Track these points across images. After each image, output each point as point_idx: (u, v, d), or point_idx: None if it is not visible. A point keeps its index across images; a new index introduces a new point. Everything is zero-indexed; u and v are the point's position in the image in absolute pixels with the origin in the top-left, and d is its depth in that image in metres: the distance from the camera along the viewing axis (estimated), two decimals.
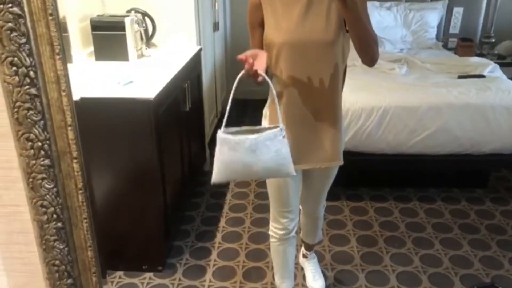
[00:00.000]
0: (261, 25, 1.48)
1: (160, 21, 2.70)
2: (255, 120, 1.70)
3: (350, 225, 2.58)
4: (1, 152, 0.74)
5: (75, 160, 0.71)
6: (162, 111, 2.01)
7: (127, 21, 2.34)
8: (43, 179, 0.70)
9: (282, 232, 1.74)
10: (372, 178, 2.98)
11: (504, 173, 3.08)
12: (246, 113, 4.21)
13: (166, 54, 2.59)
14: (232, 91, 1.31)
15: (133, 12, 2.55)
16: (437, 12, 4.03)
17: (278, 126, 1.30)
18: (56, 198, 0.72)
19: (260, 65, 1.31)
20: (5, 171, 0.75)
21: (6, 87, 0.65)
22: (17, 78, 0.64)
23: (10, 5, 0.61)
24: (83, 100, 1.81)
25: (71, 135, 0.70)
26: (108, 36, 2.33)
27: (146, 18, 2.63)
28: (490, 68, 3.06)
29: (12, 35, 0.62)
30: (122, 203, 2.07)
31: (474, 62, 3.24)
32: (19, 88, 0.65)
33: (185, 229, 2.54)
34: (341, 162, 1.60)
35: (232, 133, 1.31)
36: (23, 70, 0.64)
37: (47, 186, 0.71)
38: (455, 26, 4.19)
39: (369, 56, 1.39)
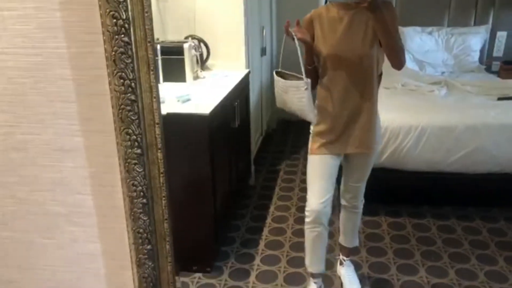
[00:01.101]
0: (311, 38, 1.85)
1: (213, 46, 2.99)
2: (297, 141, 2.06)
3: (387, 238, 2.70)
4: (104, 143, 0.98)
5: (159, 150, 0.95)
6: (215, 126, 2.25)
7: (185, 46, 2.63)
8: (135, 164, 0.94)
9: (314, 215, 1.97)
10: (411, 195, 3.08)
11: None
12: (290, 133, 4.42)
13: (218, 76, 2.86)
14: (284, 38, 1.84)
15: (190, 38, 2.85)
16: (480, 36, 4.11)
17: (303, 79, 1.75)
18: (144, 179, 0.95)
19: (300, 34, 1.76)
20: (106, 158, 1.00)
21: (115, 94, 0.89)
22: (123, 88, 0.88)
23: (122, 35, 0.85)
24: None
25: (157, 131, 0.93)
26: (168, 60, 2.63)
27: (201, 44, 2.93)
28: None
29: (122, 56, 0.86)
30: (178, 210, 2.30)
31: None
32: (123, 95, 0.89)
33: (232, 236, 2.75)
34: (375, 152, 1.99)
35: (282, 74, 1.86)
36: (127, 82, 0.88)
37: (137, 169, 0.94)
38: (499, 50, 4.23)
39: (397, 60, 1.76)
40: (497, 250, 2.55)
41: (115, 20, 0.84)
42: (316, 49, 1.84)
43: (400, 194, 3.07)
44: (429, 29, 4.15)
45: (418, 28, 4.11)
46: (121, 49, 0.86)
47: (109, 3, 0.83)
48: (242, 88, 2.90)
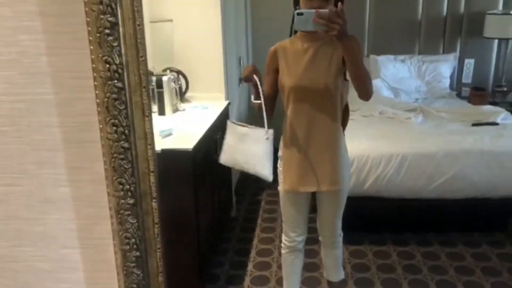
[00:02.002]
0: (275, 70, 1.86)
1: (192, 78, 2.96)
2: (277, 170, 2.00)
3: (374, 268, 2.67)
4: (94, 193, 0.92)
5: (154, 200, 0.89)
6: (198, 160, 2.20)
7: (164, 79, 2.59)
8: (128, 215, 0.88)
9: (291, 244, 2.06)
10: (394, 222, 3.08)
11: None
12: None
13: (198, 108, 2.82)
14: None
15: (168, 71, 2.81)
16: (449, 63, 4.24)
17: (264, 128, 1.72)
18: (137, 231, 0.89)
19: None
20: (96, 209, 0.93)
21: (107, 142, 0.84)
22: (116, 136, 0.83)
23: (115, 81, 0.81)
24: None
25: (152, 179, 0.88)
26: (157, 93, 2.58)
27: (180, 76, 2.90)
28: (503, 115, 3.21)
29: (115, 103, 0.82)
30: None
31: (487, 110, 3.40)
32: (116, 143, 0.84)
33: (215, 273, 2.66)
34: (342, 188, 1.92)
35: (236, 124, 1.83)
36: (121, 129, 0.83)
37: (130, 221, 0.88)
38: (468, 76, 4.37)
39: (365, 90, 1.74)
40: (483, 276, 2.55)
41: (108, 65, 0.80)
42: (280, 82, 1.84)
43: (383, 222, 3.06)
44: (402, 57, 4.26)
45: (391, 57, 4.21)
46: (114, 95, 0.81)
47: (101, 48, 0.79)
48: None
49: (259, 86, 1.74)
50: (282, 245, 2.11)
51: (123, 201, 0.87)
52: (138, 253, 0.90)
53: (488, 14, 3.95)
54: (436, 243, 2.91)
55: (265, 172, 1.73)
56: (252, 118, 4.67)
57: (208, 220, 2.54)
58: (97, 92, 0.82)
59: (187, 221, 2.16)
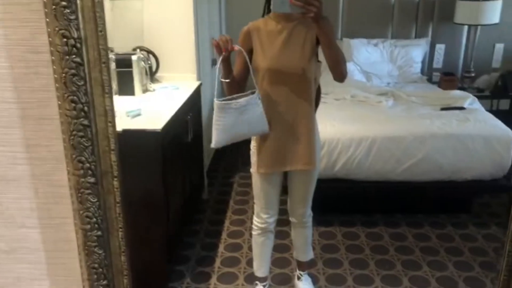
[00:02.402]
0: (248, 51, 1.81)
1: (163, 58, 2.90)
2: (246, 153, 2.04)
3: (343, 249, 2.72)
4: (53, 172, 0.90)
5: (115, 179, 0.87)
6: (167, 142, 2.17)
7: (133, 58, 2.53)
8: (89, 194, 0.86)
9: (262, 226, 2.09)
10: (363, 204, 3.14)
11: (486, 199, 3.25)
12: (243, 143, 4.39)
13: (169, 89, 2.77)
14: (217, 72, 1.81)
15: (138, 50, 2.75)
16: (421, 48, 4.29)
17: (254, 92, 1.74)
18: (98, 210, 0.88)
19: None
20: (56, 188, 0.91)
21: (65, 119, 0.81)
22: (75, 112, 0.81)
23: (74, 56, 0.78)
24: None
25: (113, 158, 0.86)
26: (115, 73, 2.52)
27: (150, 55, 2.84)
28: (470, 100, 3.29)
29: (73, 79, 0.79)
30: (129, 229, 2.19)
31: (455, 95, 3.47)
32: (75, 120, 0.81)
33: (186, 255, 2.66)
34: (315, 167, 1.95)
35: (224, 100, 1.75)
36: (80, 106, 0.81)
37: (91, 200, 0.87)
38: (438, 62, 4.45)
39: (339, 71, 1.78)
40: (446, 256, 2.64)
41: (65, 40, 0.77)
42: (254, 62, 1.83)
43: (353, 204, 3.12)
44: (375, 41, 4.28)
45: (364, 40, 4.23)
46: (73, 71, 0.79)
47: (58, 21, 0.76)
48: (194, 101, 2.83)
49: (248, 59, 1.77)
50: (254, 226, 2.14)
51: (83, 179, 0.85)
52: (99, 233, 0.89)
53: (459, 0, 4.01)
54: (404, 224, 2.99)
55: (265, 127, 1.79)
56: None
57: (178, 201, 2.53)
58: (54, 67, 0.79)
59: (156, 202, 2.14)
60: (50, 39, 0.77)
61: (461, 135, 2.80)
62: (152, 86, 2.76)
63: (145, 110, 2.28)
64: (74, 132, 0.82)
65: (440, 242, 2.79)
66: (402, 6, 4.30)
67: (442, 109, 3.21)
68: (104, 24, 0.79)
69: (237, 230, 2.92)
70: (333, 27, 1.76)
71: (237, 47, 1.74)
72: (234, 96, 1.74)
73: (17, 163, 0.90)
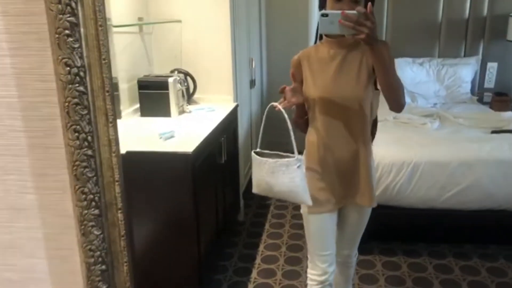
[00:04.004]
0: (301, 81, 1.67)
1: (200, 80, 2.92)
2: None
3: (382, 280, 2.57)
4: (59, 202, 0.88)
5: (119, 211, 0.84)
6: (199, 164, 2.15)
7: (170, 80, 2.55)
8: (92, 226, 0.83)
9: (322, 278, 1.77)
10: (405, 232, 2.97)
11: None
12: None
13: (205, 111, 2.77)
14: (264, 117, 1.62)
15: (176, 72, 2.78)
16: (471, 67, 4.09)
17: (295, 157, 1.52)
18: (102, 243, 0.84)
19: (294, 100, 1.56)
20: (63, 218, 0.89)
21: (69, 149, 0.79)
22: (78, 142, 0.78)
23: (77, 84, 0.76)
24: (129, 153, 1.99)
25: (117, 189, 0.83)
26: (152, 95, 2.55)
27: (188, 77, 2.86)
28: None
29: (76, 108, 0.77)
30: (159, 250, 2.18)
31: (508, 117, 3.25)
32: (78, 150, 0.79)
33: (218, 279, 2.61)
34: (374, 204, 1.74)
35: (262, 154, 1.60)
36: (83, 135, 0.78)
37: (95, 232, 0.83)
38: (490, 81, 4.21)
39: (397, 101, 1.55)
40: None
41: (68, 68, 0.75)
42: (304, 93, 1.65)
43: (394, 232, 2.96)
44: (420, 60, 4.13)
45: (409, 59, 4.08)
46: (76, 100, 0.76)
47: (61, 49, 0.74)
48: (229, 122, 2.81)
49: (287, 118, 1.54)
50: (309, 282, 1.80)
51: (86, 211, 0.82)
52: (103, 267, 0.85)
53: None
54: (450, 255, 2.79)
55: (304, 199, 1.56)
56: (266, 120, 4.57)
57: (211, 224, 2.49)
58: (58, 96, 0.77)
59: (186, 224, 2.11)
60: (54, 67, 0.75)
61: None
62: (189, 107, 2.77)
63: (179, 132, 2.28)
64: (77, 163, 0.79)
65: (490, 276, 2.57)
66: (450, 23, 4.13)
67: (493, 132, 3.01)
68: (108, 52, 0.77)
69: (272, 255, 2.83)
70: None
71: (278, 108, 1.53)
72: (273, 153, 1.58)
73: (26, 192, 0.88)
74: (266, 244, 2.97)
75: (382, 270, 2.66)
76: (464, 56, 4.19)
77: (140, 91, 2.58)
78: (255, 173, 1.62)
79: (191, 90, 2.89)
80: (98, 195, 0.81)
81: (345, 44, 1.60)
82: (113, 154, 0.81)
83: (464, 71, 4.05)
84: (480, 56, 4.16)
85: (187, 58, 2.95)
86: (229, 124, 2.81)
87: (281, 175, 1.52)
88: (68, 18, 0.73)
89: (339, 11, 1.35)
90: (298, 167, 1.52)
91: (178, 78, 2.65)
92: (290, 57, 1.73)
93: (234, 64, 2.98)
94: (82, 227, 0.83)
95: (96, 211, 0.82)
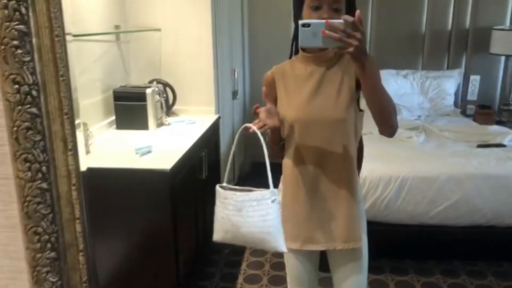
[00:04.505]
0: (275, 100, 1.49)
1: (180, 91, 2.80)
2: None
3: None
4: (9, 242, 0.74)
5: (81, 253, 0.71)
6: (178, 181, 2.02)
7: (148, 91, 2.43)
8: (47, 272, 0.70)
9: None
10: (393, 249, 2.88)
11: None
12: (264, 176, 4.19)
13: (185, 123, 2.65)
14: (234, 143, 1.41)
15: (154, 82, 2.65)
16: (454, 79, 4.07)
17: (269, 189, 1.26)
18: None
19: (269, 122, 1.34)
20: (13, 261, 0.75)
21: (18, 182, 0.66)
22: (29, 174, 0.66)
23: (28, 105, 0.63)
24: (102, 170, 1.85)
25: (78, 228, 0.70)
26: (129, 106, 2.42)
27: (167, 88, 2.73)
28: (511, 137, 3.03)
29: (28, 133, 0.64)
30: (135, 273, 2.04)
31: (494, 130, 3.22)
32: (31, 183, 0.66)
33: None
34: (358, 245, 1.47)
35: (227, 188, 1.33)
36: (36, 166, 0.66)
37: (51, 279, 0.70)
38: (473, 93, 4.20)
39: (389, 125, 1.35)
40: None
41: (17, 86, 0.63)
42: (279, 115, 1.43)
43: (381, 248, 2.85)
44: (404, 72, 4.09)
45: (393, 71, 4.04)
46: (27, 124, 0.64)
47: (8, 63, 0.62)
48: (211, 135, 2.70)
49: (262, 142, 1.32)
50: None
51: (40, 254, 0.69)
52: None
53: (495, 29, 3.79)
54: (438, 273, 2.71)
55: (277, 243, 1.26)
56: (246, 140, 4.43)
57: (190, 243, 2.36)
58: (5, 119, 0.64)
59: (164, 246, 1.98)
60: (0, 85, 0.63)
61: (502, 176, 2.54)
62: (168, 120, 2.64)
63: (156, 146, 2.15)
64: (28, 198, 0.66)
65: None
66: (434, 36, 4.11)
67: (479, 146, 2.96)
68: (66, 67, 0.65)
69: (255, 274, 2.71)
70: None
71: (252, 130, 1.31)
72: (244, 188, 1.32)
73: None
74: (249, 262, 2.84)
75: None
76: (447, 68, 4.18)
77: (116, 102, 2.44)
78: (217, 213, 1.33)
79: (170, 102, 2.76)
80: (55, 235, 0.69)
81: (324, 60, 1.43)
82: (73, 187, 0.69)
83: (448, 84, 4.03)
84: (462, 69, 4.15)
85: (166, 68, 2.82)
86: (210, 137, 2.69)
87: (250, 212, 1.25)
88: (17, 26, 0.60)
89: (323, 21, 1.17)
90: (273, 201, 1.25)
91: (157, 89, 2.52)
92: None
93: (216, 74, 2.87)
94: (35, 273, 0.69)
95: (53, 254, 0.69)
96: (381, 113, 1.32)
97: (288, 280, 1.64)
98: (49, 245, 0.69)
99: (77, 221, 0.70)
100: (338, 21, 1.14)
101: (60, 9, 0.62)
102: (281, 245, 1.26)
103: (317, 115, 1.41)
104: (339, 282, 1.58)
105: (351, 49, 1.15)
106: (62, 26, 0.62)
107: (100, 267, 1.98)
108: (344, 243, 1.47)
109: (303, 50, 1.46)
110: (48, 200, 0.67)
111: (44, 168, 0.66)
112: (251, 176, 4.31)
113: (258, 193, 1.26)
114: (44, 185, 0.67)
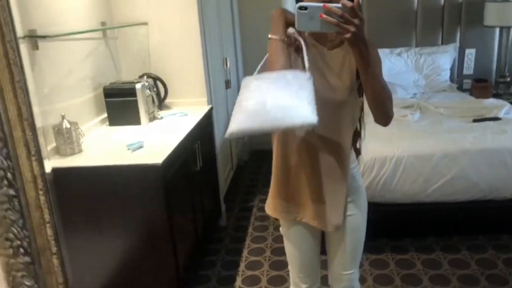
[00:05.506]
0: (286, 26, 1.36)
1: (171, 83, 2.79)
2: (270, 172, 1.59)
3: (370, 280, 2.49)
4: None
5: (54, 256, 0.72)
6: (171, 174, 2.03)
7: (138, 87, 2.42)
8: (23, 276, 0.71)
9: None
10: (391, 229, 2.89)
11: None
12: (263, 163, 4.21)
13: (177, 116, 2.65)
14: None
15: (145, 77, 2.65)
16: (449, 54, 4.03)
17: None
18: None
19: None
20: None
21: None
22: None
23: None
24: (95, 168, 1.87)
25: (49, 232, 0.71)
26: (120, 103, 2.42)
27: (158, 82, 2.73)
28: (506, 109, 3.01)
29: None
30: (134, 269, 2.06)
31: (489, 104, 3.20)
32: None
33: None
34: (346, 224, 1.52)
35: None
36: (1, 172, 0.66)
37: (27, 283, 0.72)
38: (469, 67, 4.17)
39: (383, 113, 1.34)
40: (488, 285, 2.37)
41: None
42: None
43: (379, 229, 2.86)
44: (398, 50, 4.06)
45: (387, 50, 4.01)
46: None
47: None
48: (204, 126, 2.70)
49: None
50: None
51: (13, 260, 0.70)
52: None
53: (488, 1, 3.73)
54: (438, 249, 2.73)
55: (308, 114, 1.16)
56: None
57: (189, 235, 2.38)
58: None
59: (161, 240, 2.00)
60: None
61: (497, 150, 2.54)
62: (160, 113, 2.64)
63: (148, 141, 2.16)
64: None
65: (480, 269, 2.51)
66: (426, 11, 4.07)
67: (475, 120, 2.95)
68: (22, 72, 0.65)
69: (256, 261, 2.73)
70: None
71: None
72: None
73: None
74: (250, 249, 2.87)
75: (370, 269, 2.58)
76: (442, 44, 4.14)
77: (107, 99, 2.44)
78: (239, 101, 1.23)
79: (162, 95, 2.76)
80: (26, 240, 0.70)
81: (325, 40, 1.39)
82: (40, 192, 0.69)
83: (443, 59, 4.00)
84: (457, 43, 4.11)
85: (156, 62, 2.82)
86: (204, 128, 2.70)
87: (282, 85, 1.19)
88: None
89: (320, 4, 1.12)
90: (308, 79, 1.21)
91: (147, 84, 2.52)
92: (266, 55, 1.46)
93: (206, 65, 2.86)
94: (11, 278, 0.71)
95: (26, 259, 0.71)
96: (376, 101, 1.30)
97: (288, 262, 1.67)
98: (22, 250, 0.70)
99: (48, 224, 0.70)
100: (336, 5, 1.11)
101: (9, 14, 0.62)
102: (312, 116, 1.15)
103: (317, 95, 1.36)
104: (330, 258, 1.63)
105: (348, 35, 1.13)
106: (13, 30, 0.62)
107: (98, 265, 2.01)
108: (326, 225, 1.50)
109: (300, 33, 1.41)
110: (16, 206, 0.68)
111: (9, 174, 0.67)
112: (250, 164, 4.32)
113: (293, 71, 1.24)
114: (11, 192, 0.67)
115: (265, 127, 1.18)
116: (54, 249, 0.72)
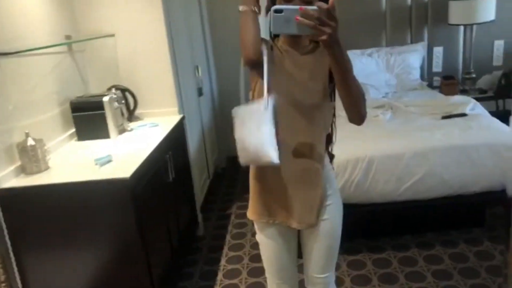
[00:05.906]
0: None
1: (141, 94, 2.77)
2: (248, 178, 1.60)
3: (348, 281, 2.51)
4: None
5: (3, 285, 0.71)
6: (141, 187, 2.01)
7: (105, 99, 2.40)
8: None
9: None
10: (367, 229, 2.93)
11: (499, 210, 2.99)
12: (240, 169, 4.21)
13: (147, 127, 2.63)
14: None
15: (113, 89, 2.62)
16: (418, 53, 4.10)
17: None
18: None
19: None
20: None
21: None
22: None
23: None
24: (60, 185, 1.84)
25: None
26: (87, 117, 2.39)
27: (127, 93, 2.70)
28: (471, 105, 3.08)
29: None
30: (108, 283, 2.02)
31: (456, 101, 3.26)
32: None
33: None
34: (312, 224, 1.53)
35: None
36: None
37: None
38: (438, 65, 4.25)
39: (358, 112, 1.37)
40: (461, 279, 2.41)
41: None
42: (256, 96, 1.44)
43: (356, 229, 2.90)
44: (369, 51, 4.11)
45: (358, 51, 4.06)
46: None
47: None
48: (176, 136, 2.68)
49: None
50: None
51: None
52: None
53: (451, 0, 3.82)
54: (414, 246, 2.77)
55: (269, 154, 1.31)
56: (220, 129, 4.40)
57: (163, 247, 2.36)
58: None
59: (134, 256, 1.97)
60: None
61: (464, 146, 2.58)
62: (130, 125, 2.62)
63: (117, 154, 2.14)
64: None
65: (453, 263, 2.56)
66: (394, 12, 4.14)
67: (444, 117, 3.00)
68: None
69: (234, 269, 2.72)
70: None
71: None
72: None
73: None
74: (228, 257, 2.86)
75: (347, 270, 2.61)
76: (411, 42, 4.21)
77: (74, 114, 2.41)
78: (235, 132, 1.37)
79: (132, 107, 2.74)
80: None
81: (298, 44, 1.44)
82: None
83: (412, 58, 4.07)
84: (425, 41, 4.19)
85: (124, 73, 2.79)
86: (176, 138, 2.68)
87: (251, 124, 1.31)
88: None
89: (296, 7, 1.15)
90: (265, 108, 1.29)
91: (115, 96, 2.49)
92: (238, 61, 1.51)
93: (175, 74, 2.85)
94: None
95: None
96: (351, 101, 1.34)
97: (265, 268, 1.67)
98: None
99: None
100: (312, 8, 1.13)
101: None
102: (272, 156, 1.31)
103: (286, 97, 1.42)
104: (308, 265, 1.64)
105: (324, 37, 1.15)
106: None
107: (70, 285, 1.97)
108: (299, 223, 1.52)
109: (276, 36, 1.46)
110: None
111: None
112: (228, 171, 4.31)
113: (256, 104, 1.34)
114: None
115: (251, 161, 1.39)
116: (2, 277, 0.71)
